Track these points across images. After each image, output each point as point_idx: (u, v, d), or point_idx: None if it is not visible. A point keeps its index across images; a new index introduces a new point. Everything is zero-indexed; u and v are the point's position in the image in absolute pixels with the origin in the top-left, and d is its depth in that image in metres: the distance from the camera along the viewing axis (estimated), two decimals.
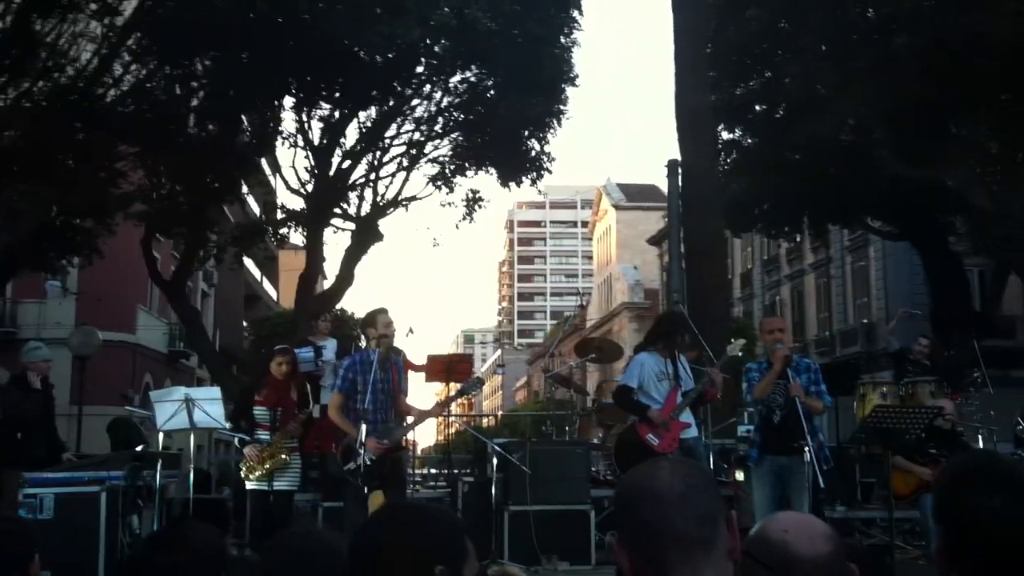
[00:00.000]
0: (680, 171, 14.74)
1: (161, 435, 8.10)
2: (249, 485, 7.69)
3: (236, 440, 7.87)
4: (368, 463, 7.00)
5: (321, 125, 20.07)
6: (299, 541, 2.53)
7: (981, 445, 8.98)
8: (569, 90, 19.59)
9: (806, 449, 6.66)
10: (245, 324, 42.10)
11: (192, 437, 7.98)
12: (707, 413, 10.23)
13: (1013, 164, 16.74)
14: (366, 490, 7.08)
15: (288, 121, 20.38)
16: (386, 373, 7.39)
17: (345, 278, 20.44)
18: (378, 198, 21.04)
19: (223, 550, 2.33)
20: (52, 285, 28.89)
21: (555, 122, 19.73)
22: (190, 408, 7.57)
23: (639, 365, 8.01)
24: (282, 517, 7.58)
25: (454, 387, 9.93)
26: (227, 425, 7.70)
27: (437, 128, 20.59)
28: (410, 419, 7.48)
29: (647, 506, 1.83)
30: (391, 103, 19.55)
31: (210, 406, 7.66)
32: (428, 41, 17.34)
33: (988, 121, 16.75)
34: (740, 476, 7.99)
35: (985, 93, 15.85)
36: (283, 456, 7.60)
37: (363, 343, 8.16)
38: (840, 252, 35.15)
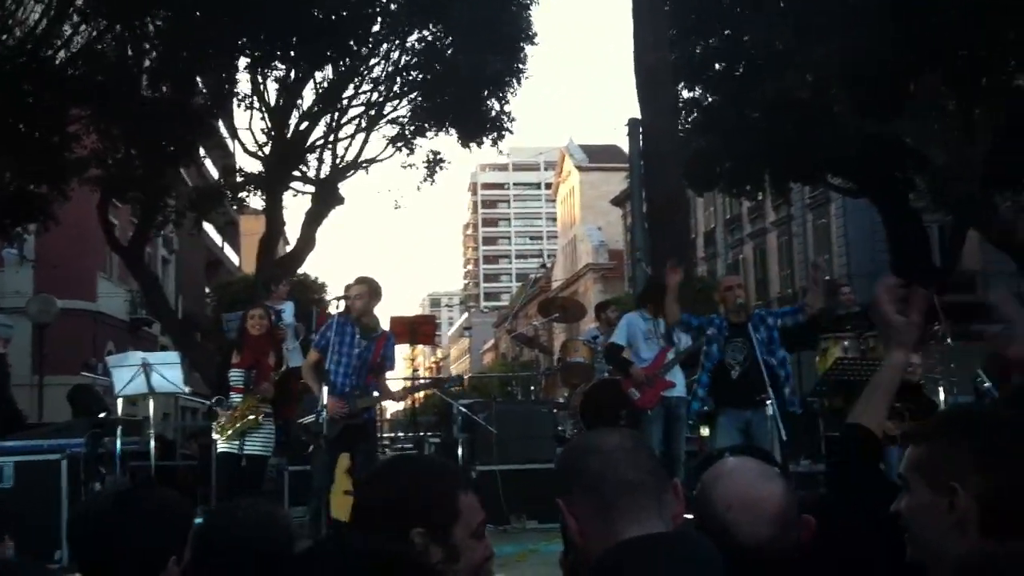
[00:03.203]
0: (641, 130, 14.69)
1: (121, 402, 8.01)
2: (220, 448, 7.55)
3: (213, 401, 7.74)
4: (324, 423, 7.05)
5: (277, 86, 19.84)
6: (241, 512, 2.41)
7: (942, 397, 9.07)
8: (528, 48, 19.53)
9: (768, 403, 6.72)
10: (207, 290, 41.70)
11: (152, 403, 7.85)
12: None
13: (970, 120, 16.83)
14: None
15: (244, 82, 20.10)
16: (369, 343, 7.40)
17: (306, 242, 20.30)
18: (337, 160, 20.86)
19: (180, 515, 2.26)
20: (9, 253, 28.42)
21: (515, 81, 19.67)
22: (148, 373, 7.46)
23: (627, 324, 8.31)
24: (253, 482, 7.46)
25: (419, 351, 9.89)
26: (187, 390, 7.60)
27: (395, 88, 20.41)
28: (376, 394, 7.44)
29: (598, 459, 1.84)
30: (347, 63, 19.32)
31: (168, 371, 7.56)
32: None
33: (945, 77, 16.81)
34: (705, 432, 8.04)
35: (942, 49, 15.89)
36: (253, 417, 7.42)
37: (331, 309, 8.09)
38: (802, 210, 35.36)
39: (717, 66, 19.98)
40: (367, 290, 7.47)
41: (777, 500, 2.01)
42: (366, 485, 2.01)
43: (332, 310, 7.87)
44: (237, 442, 7.43)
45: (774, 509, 2.00)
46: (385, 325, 11.65)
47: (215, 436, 7.59)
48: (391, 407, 18.77)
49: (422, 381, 7.90)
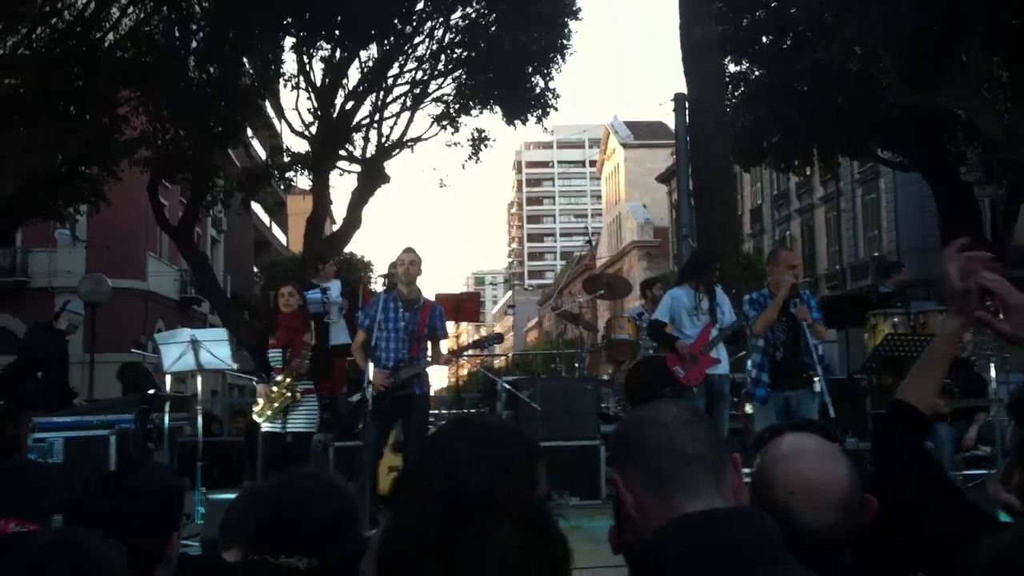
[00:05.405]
0: (687, 105, 14.54)
1: (169, 378, 8.10)
2: (263, 428, 7.60)
3: (254, 381, 7.80)
4: (370, 398, 7.04)
5: (323, 66, 19.95)
6: (300, 482, 2.40)
7: (993, 374, 8.92)
8: (572, 24, 19.41)
9: (816, 380, 6.60)
10: (256, 269, 42.13)
11: (200, 380, 7.92)
12: None
13: (1022, 89, 16.46)
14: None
15: (290, 63, 20.23)
16: (412, 314, 7.35)
17: (352, 221, 20.40)
18: (383, 139, 20.94)
19: (176, 489, 2.27)
20: (62, 234, 28.88)
21: (559, 57, 19.56)
22: (196, 350, 7.51)
23: (671, 299, 8.07)
24: (298, 460, 7.46)
25: (464, 329, 9.87)
26: (234, 367, 7.63)
27: (440, 66, 20.42)
28: (421, 363, 7.34)
29: (655, 431, 1.76)
30: (392, 41, 19.35)
31: (217, 347, 7.60)
32: None
33: (997, 46, 16.45)
34: (749, 409, 7.96)
35: (995, 18, 15.55)
36: (289, 394, 7.43)
37: (372, 286, 8.13)
38: (851, 185, 34.86)
39: (764, 39, 19.73)
40: (417, 257, 7.50)
41: (842, 484, 1.92)
42: (454, 452, 1.85)
43: (378, 288, 7.86)
44: (279, 421, 7.48)
45: (839, 494, 1.90)
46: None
47: (256, 418, 7.64)
48: (436, 384, 18.81)
49: (466, 344, 7.80)
